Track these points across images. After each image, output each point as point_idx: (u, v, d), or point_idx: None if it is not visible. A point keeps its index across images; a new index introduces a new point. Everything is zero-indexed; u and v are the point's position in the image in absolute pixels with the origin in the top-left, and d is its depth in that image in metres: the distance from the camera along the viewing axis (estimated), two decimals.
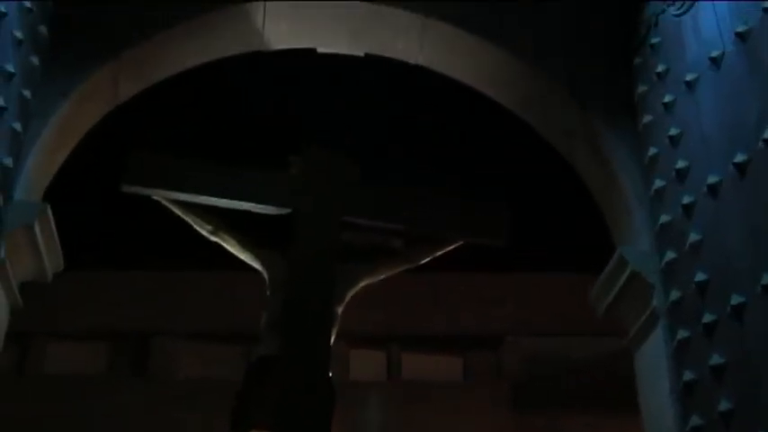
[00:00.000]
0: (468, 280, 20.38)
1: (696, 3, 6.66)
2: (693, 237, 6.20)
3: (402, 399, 19.53)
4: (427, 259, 7.62)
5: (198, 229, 7.37)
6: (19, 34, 6.42)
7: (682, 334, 6.21)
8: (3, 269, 6.31)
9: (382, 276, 7.58)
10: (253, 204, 7.20)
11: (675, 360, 6.29)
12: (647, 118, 7.08)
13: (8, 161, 6.26)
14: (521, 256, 18.25)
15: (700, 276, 6.07)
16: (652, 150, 6.93)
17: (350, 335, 19.33)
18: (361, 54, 8.04)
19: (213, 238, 7.39)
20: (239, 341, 19.84)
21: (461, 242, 7.57)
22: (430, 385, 19.87)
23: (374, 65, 8.41)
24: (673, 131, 6.66)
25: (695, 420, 5.90)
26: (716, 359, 5.75)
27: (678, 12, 6.84)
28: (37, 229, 6.51)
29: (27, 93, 6.56)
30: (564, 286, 19.55)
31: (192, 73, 8.02)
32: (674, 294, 6.38)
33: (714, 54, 6.34)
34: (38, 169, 6.87)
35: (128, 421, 18.61)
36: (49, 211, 6.63)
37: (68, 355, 19.90)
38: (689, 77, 6.56)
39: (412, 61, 8.04)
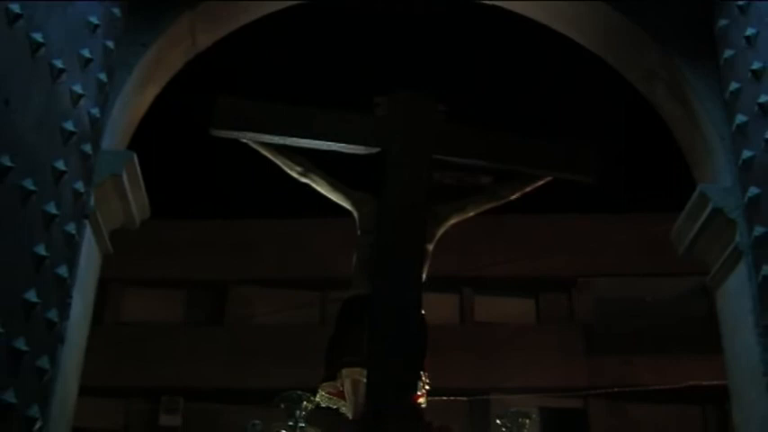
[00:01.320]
0: (539, 222, 20.37)
1: None
2: None
3: (475, 342, 19.68)
4: (516, 196, 7.59)
5: (288, 171, 7.43)
6: None
7: (766, 270, 6.17)
8: (93, 217, 6.48)
9: (471, 214, 7.58)
10: (342, 145, 7.23)
11: (760, 296, 6.26)
12: (728, 53, 6.97)
13: (95, 111, 6.40)
14: (594, 197, 18.20)
15: None
16: (734, 85, 6.83)
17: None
18: None
19: (303, 180, 7.45)
20: (314, 287, 20.15)
21: (549, 178, 7.54)
22: (503, 328, 20.00)
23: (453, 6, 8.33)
24: (756, 65, 6.53)
25: None
26: None
27: None
28: (124, 177, 6.68)
29: (110, 44, 6.67)
30: (635, 226, 19.45)
31: (272, 17, 8.04)
32: (758, 230, 6.32)
33: None
34: (123, 119, 7.02)
35: (206, 368, 19.05)
36: (136, 160, 6.79)
37: (145, 303, 20.36)
38: None
39: (488, 2, 7.98)
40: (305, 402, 7.08)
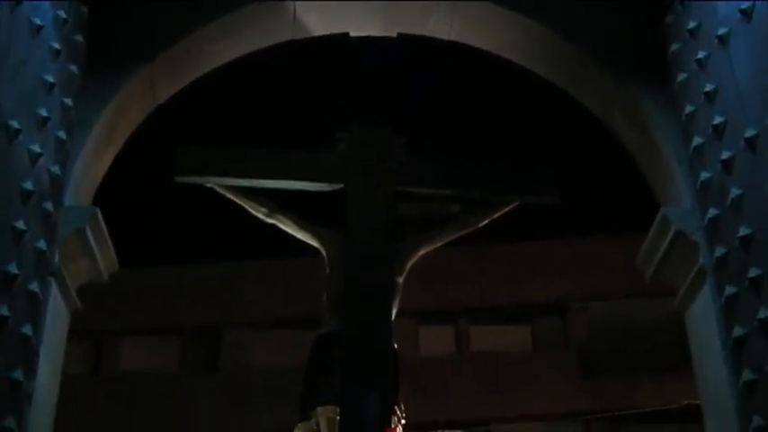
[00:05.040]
0: (529, 249, 20.38)
1: None
2: (734, 192, 6.16)
3: (472, 372, 19.62)
4: (484, 223, 7.63)
5: (254, 212, 7.50)
6: (56, 45, 6.58)
7: (729, 290, 6.18)
8: (59, 274, 6.51)
9: (440, 243, 7.61)
10: (305, 183, 7.32)
11: (724, 316, 6.27)
12: (681, 76, 7.05)
13: (56, 169, 6.44)
14: (575, 220, 18.22)
15: (743, 231, 6.04)
16: (688, 108, 6.89)
17: (417, 312, 19.56)
18: (394, 35, 8.07)
19: (269, 221, 7.51)
20: (309, 326, 20.01)
21: (516, 203, 7.59)
22: (499, 356, 19.94)
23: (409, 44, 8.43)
24: (708, 87, 6.61)
25: (747, 375, 5.89)
26: (764, 313, 5.72)
27: None
28: (89, 232, 6.68)
29: (68, 101, 6.72)
30: (624, 247, 19.40)
31: (228, 66, 8.12)
32: (719, 251, 6.35)
33: (744, 6, 6.29)
34: (85, 175, 7.04)
35: (203, 413, 18.99)
36: (99, 215, 6.79)
37: (142, 352, 20.34)
38: (720, 32, 6.51)
39: (444, 37, 8.05)
40: None
